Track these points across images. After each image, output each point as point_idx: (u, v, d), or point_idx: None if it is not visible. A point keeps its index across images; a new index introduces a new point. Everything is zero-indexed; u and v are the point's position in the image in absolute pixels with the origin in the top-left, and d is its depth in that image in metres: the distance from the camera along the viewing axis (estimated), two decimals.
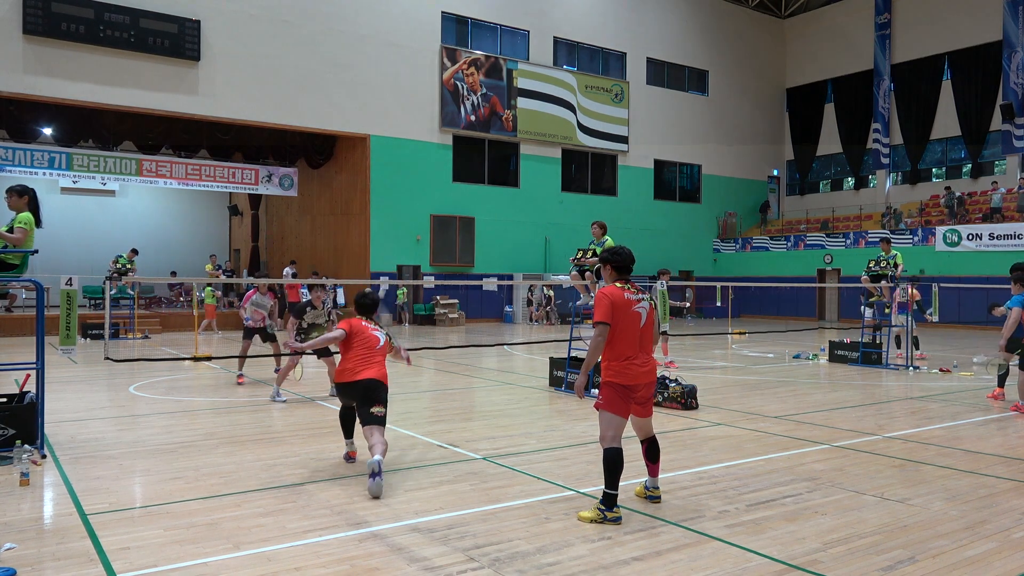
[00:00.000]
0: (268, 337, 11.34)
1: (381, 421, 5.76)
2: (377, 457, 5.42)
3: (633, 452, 6.87)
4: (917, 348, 14.64)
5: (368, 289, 6.63)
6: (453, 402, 10.21)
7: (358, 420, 5.92)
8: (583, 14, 30.27)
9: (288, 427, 7.97)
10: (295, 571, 4.00)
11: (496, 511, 5.05)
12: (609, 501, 4.80)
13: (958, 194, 28.16)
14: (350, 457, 6.42)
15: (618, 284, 5.04)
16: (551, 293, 27.56)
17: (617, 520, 4.78)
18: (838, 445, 7.17)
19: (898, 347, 14.72)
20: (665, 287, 10.82)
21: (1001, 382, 10.25)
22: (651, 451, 5.23)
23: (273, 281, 24.90)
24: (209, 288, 21.39)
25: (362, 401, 5.83)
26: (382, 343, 6.18)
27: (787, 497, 5.40)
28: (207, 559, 4.15)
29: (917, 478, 6.00)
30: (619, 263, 5.09)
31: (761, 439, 7.45)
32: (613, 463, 4.82)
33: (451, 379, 12.41)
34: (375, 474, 5.33)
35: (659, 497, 5.27)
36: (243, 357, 11.25)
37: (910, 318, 14.19)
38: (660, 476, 5.96)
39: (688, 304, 14.72)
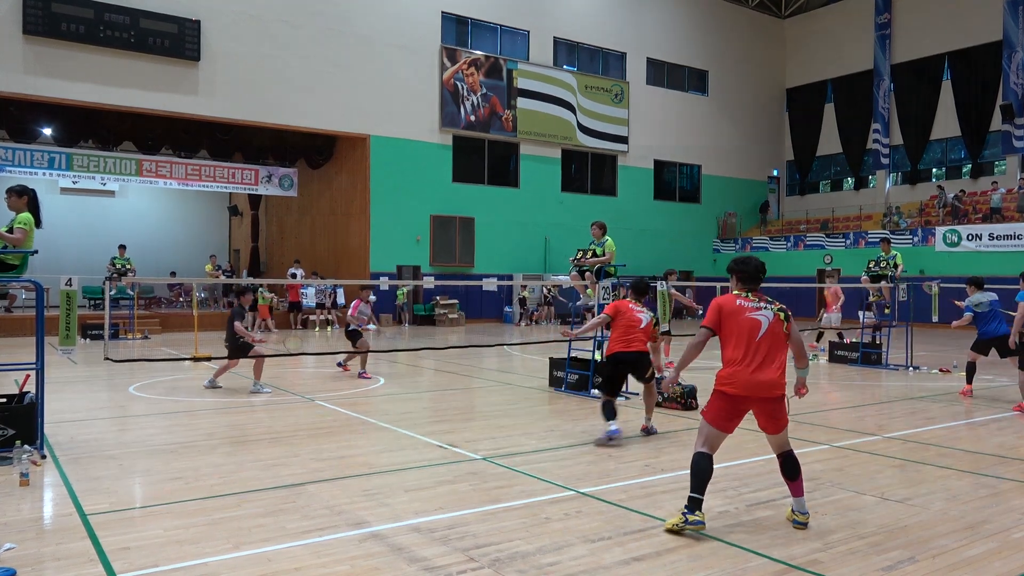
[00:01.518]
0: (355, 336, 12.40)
1: (652, 378, 7.67)
2: (651, 424, 7.71)
3: (632, 453, 6.86)
4: (817, 340, 16.24)
5: (643, 277, 8.30)
6: (453, 402, 10.21)
7: (638, 382, 7.69)
8: (583, 14, 30.26)
9: (288, 427, 7.97)
10: (295, 571, 4.00)
11: (496, 511, 5.05)
12: (692, 504, 4.54)
13: (951, 195, 28.20)
14: (618, 432, 7.17)
15: (735, 291, 4.82)
16: (526, 295, 27.57)
17: (698, 524, 4.49)
18: (838, 445, 7.17)
19: (821, 341, 16.17)
20: (666, 287, 10.82)
21: (969, 379, 10.44)
22: (786, 467, 4.81)
23: (278, 282, 24.86)
24: (261, 289, 21.73)
25: (634, 369, 7.51)
26: (644, 324, 7.57)
27: (787, 497, 5.36)
28: (207, 559, 4.15)
29: (917, 478, 6.00)
30: (744, 273, 4.85)
31: (761, 439, 7.39)
32: (695, 466, 4.62)
33: (451, 379, 12.41)
34: (651, 431, 7.62)
35: (805, 524, 4.73)
36: (364, 354, 12.21)
37: (868, 315, 15.01)
38: (662, 475, 5.96)
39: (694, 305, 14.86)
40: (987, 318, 10.19)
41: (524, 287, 27.38)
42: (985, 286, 10.46)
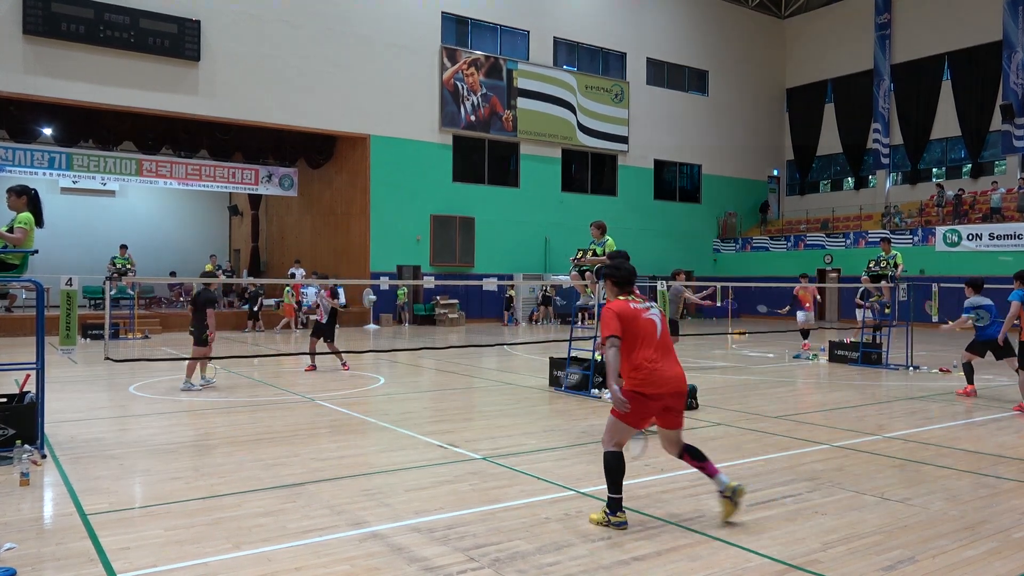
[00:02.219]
0: (319, 332, 12.81)
1: None
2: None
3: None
4: (805, 338, 16.78)
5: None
6: (453, 402, 10.21)
7: None
8: (583, 14, 30.27)
9: (288, 427, 7.97)
10: (295, 571, 4.00)
11: (496, 511, 5.05)
12: (613, 505, 4.69)
13: (950, 193, 28.19)
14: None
15: (621, 297, 4.95)
16: (512, 293, 27.55)
17: (621, 525, 4.65)
18: (838, 445, 7.17)
19: (804, 337, 16.80)
20: (666, 286, 10.83)
21: (970, 379, 10.42)
22: (692, 453, 4.89)
23: (279, 282, 24.86)
24: (288, 289, 21.89)
25: None
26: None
27: (787, 497, 5.39)
28: (207, 559, 4.15)
29: (917, 478, 6.00)
30: (620, 277, 5.01)
31: (761, 439, 7.45)
32: (612, 466, 4.72)
33: (451, 379, 12.41)
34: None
35: (739, 494, 4.74)
36: (312, 353, 12.49)
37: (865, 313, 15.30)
38: (662, 476, 5.97)
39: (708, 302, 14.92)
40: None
41: (511, 287, 27.31)
42: (984, 286, 10.46)
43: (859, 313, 15.55)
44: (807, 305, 16.89)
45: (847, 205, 33.39)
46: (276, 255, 31.16)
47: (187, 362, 10.77)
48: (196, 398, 9.94)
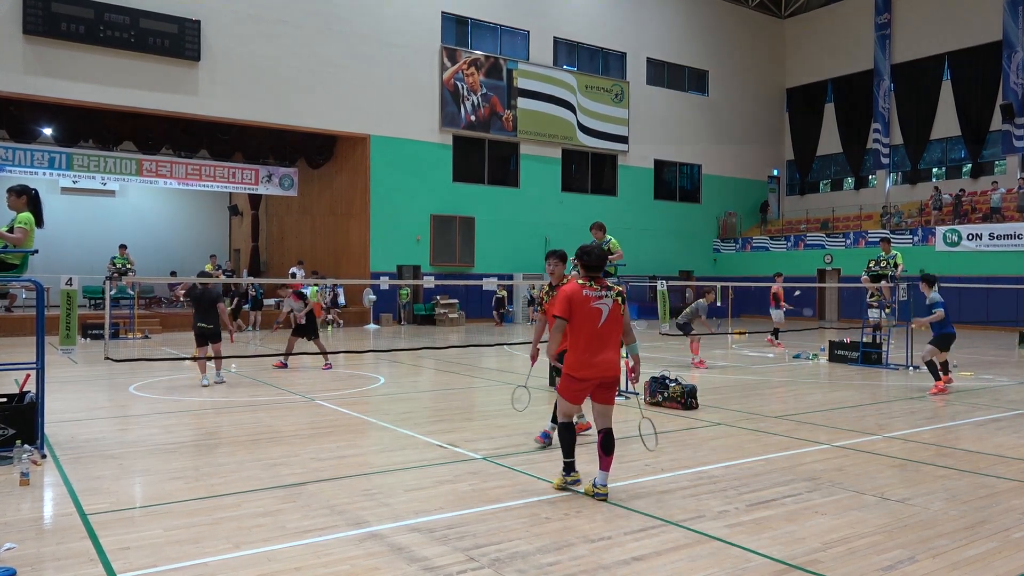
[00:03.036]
0: (299, 332, 13.04)
1: None
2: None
3: (632, 453, 6.86)
4: (776, 337, 17.14)
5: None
6: (453, 402, 10.21)
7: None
8: (583, 14, 30.27)
9: (288, 427, 7.97)
10: (295, 571, 4.00)
11: (496, 511, 5.05)
12: (567, 467, 5.44)
13: (947, 196, 28.17)
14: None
15: (580, 281, 5.31)
16: (503, 294, 27.52)
17: (576, 483, 5.38)
18: (838, 445, 7.17)
19: (776, 338, 17.10)
20: (665, 287, 10.88)
21: (936, 376, 10.58)
22: (605, 442, 5.33)
23: (278, 281, 24.82)
24: (315, 288, 22.09)
25: None
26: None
27: (787, 497, 5.40)
28: (207, 559, 4.15)
29: (917, 478, 5.99)
30: (588, 262, 5.38)
31: (761, 439, 7.45)
32: (565, 437, 5.46)
33: (451, 379, 12.41)
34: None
35: (605, 495, 5.25)
36: (288, 353, 12.68)
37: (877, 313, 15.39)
38: (662, 475, 5.98)
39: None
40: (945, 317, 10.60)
41: (500, 288, 27.28)
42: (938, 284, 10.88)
43: (871, 313, 15.52)
44: (782, 303, 17.28)
45: (847, 205, 33.39)
46: (276, 255, 31.14)
47: (215, 358, 10.93)
48: (196, 398, 9.94)
